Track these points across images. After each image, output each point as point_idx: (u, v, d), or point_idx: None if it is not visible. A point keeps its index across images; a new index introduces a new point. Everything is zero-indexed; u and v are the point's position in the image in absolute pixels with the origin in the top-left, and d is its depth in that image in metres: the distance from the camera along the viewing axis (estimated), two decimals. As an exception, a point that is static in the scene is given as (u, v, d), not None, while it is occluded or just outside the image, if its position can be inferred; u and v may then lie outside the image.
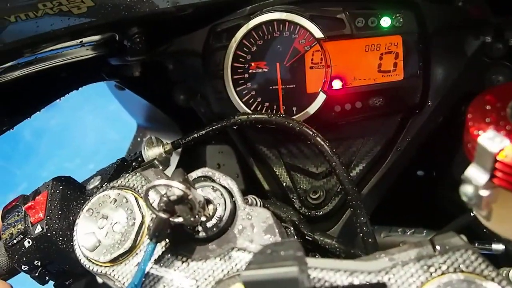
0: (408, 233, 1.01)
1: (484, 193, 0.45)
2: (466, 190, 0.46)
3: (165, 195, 0.61)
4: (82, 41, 0.86)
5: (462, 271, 0.52)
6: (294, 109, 0.93)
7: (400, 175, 1.01)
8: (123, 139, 1.77)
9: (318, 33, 0.90)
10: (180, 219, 0.61)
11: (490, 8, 0.77)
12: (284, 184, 0.98)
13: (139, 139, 1.56)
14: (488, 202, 0.46)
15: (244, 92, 0.96)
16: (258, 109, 0.96)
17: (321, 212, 0.94)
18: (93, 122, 3.72)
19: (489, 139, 0.43)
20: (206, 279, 0.63)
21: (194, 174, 0.70)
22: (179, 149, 1.33)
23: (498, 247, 0.88)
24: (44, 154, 3.68)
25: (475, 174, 0.45)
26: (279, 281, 0.44)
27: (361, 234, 0.73)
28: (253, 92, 0.96)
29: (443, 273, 0.52)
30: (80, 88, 1.11)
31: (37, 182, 0.85)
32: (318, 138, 0.78)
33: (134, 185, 0.73)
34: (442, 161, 1.18)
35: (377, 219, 1.05)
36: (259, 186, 1.04)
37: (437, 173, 1.26)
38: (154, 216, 0.62)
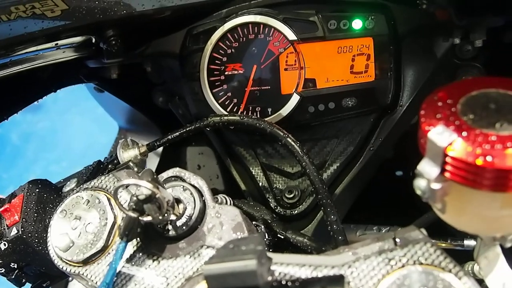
0: (383, 231, 1.03)
1: (435, 186, 0.46)
2: (419, 183, 0.48)
3: (134, 195, 0.62)
4: (57, 43, 0.87)
5: (421, 263, 0.53)
6: (269, 110, 0.95)
7: (376, 175, 1.03)
8: (111, 142, 1.77)
9: (291, 36, 0.92)
10: (149, 218, 0.62)
11: (454, 11, 0.78)
12: (260, 184, 0.99)
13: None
14: (441, 195, 0.48)
15: (220, 94, 0.98)
16: (234, 110, 0.97)
17: (296, 211, 0.95)
18: (81, 125, 3.69)
19: (438, 134, 0.45)
20: (176, 277, 0.64)
21: (165, 174, 0.71)
22: (160, 152, 1.35)
23: (470, 243, 0.90)
24: (31, 157, 3.65)
25: (427, 168, 0.46)
26: (238, 274, 0.45)
27: (331, 232, 0.75)
28: (229, 94, 0.97)
29: (403, 266, 0.54)
30: (60, 90, 1.12)
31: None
32: (289, 139, 0.79)
33: (106, 186, 0.74)
34: (418, 161, 1.20)
35: (358, 219, 1.07)
36: (236, 186, 1.05)
37: (414, 173, 1.28)
38: (125, 215, 0.63)
